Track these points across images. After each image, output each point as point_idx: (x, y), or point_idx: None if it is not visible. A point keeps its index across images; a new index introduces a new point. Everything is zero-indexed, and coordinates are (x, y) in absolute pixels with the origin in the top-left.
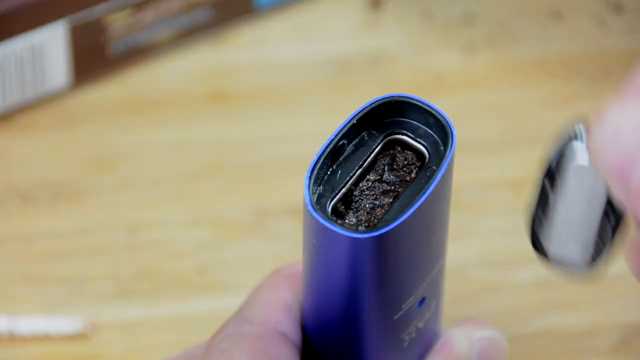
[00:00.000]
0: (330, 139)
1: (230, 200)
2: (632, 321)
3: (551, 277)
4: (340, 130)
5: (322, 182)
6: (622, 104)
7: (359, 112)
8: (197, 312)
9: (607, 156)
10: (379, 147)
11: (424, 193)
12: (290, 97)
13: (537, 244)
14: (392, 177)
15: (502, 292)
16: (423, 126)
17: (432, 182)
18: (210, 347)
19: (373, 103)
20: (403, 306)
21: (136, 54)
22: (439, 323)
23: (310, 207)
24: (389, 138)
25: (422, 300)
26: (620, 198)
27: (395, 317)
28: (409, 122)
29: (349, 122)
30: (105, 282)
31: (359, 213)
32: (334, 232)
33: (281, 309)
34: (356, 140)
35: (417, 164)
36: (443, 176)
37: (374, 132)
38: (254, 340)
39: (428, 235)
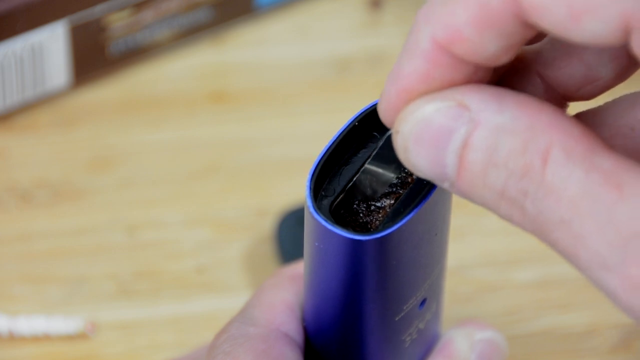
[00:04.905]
0: (332, 141)
1: (230, 200)
2: (632, 321)
3: (551, 277)
4: (342, 132)
5: (324, 184)
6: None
7: (360, 114)
8: (197, 312)
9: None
10: None
11: (426, 195)
12: (290, 97)
13: None
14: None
15: (502, 292)
16: None
17: (433, 184)
18: (214, 348)
19: (374, 105)
20: (404, 307)
21: (136, 54)
22: (440, 324)
23: (312, 210)
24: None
25: (423, 302)
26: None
27: (396, 319)
28: None
29: (350, 124)
30: (105, 282)
31: (361, 215)
32: (336, 234)
33: (284, 310)
34: (357, 142)
35: None
36: None
37: (375, 133)
38: (257, 341)
39: (430, 237)
